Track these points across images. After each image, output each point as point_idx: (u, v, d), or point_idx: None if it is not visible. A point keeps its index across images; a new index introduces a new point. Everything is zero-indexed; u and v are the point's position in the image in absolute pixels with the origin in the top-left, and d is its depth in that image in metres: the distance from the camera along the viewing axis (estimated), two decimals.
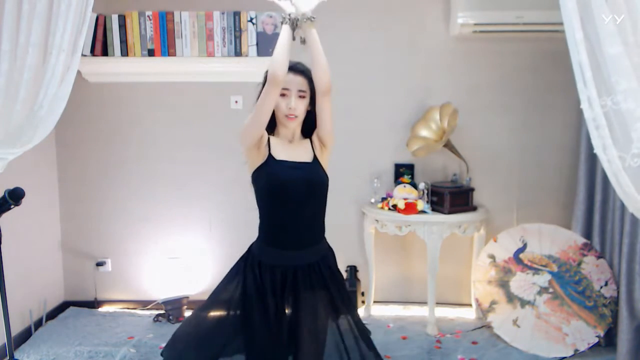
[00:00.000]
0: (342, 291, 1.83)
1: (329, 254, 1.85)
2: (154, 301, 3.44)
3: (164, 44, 3.17)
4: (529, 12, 2.97)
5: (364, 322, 3.26)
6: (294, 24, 1.65)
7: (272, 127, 1.81)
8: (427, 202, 3.14)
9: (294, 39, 1.66)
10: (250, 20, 3.16)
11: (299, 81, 1.74)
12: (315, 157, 1.79)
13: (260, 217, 1.79)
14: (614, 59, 1.68)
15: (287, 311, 1.72)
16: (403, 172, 3.36)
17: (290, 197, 1.70)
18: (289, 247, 1.74)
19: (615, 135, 1.73)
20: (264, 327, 1.68)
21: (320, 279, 1.76)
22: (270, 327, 1.68)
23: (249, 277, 1.74)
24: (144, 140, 3.43)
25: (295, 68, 1.76)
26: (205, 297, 3.56)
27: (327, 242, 1.85)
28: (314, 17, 1.64)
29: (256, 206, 1.80)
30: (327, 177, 1.80)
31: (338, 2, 3.30)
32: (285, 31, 1.65)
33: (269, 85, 1.63)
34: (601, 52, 1.70)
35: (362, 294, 3.41)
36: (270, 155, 1.73)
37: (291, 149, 1.78)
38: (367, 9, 3.32)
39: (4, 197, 1.97)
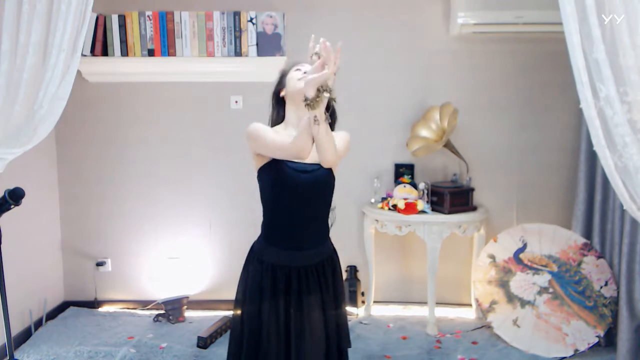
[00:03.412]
0: (339, 290, 1.83)
1: (335, 255, 1.85)
2: (154, 301, 3.44)
3: (164, 44, 3.17)
4: (528, 12, 2.97)
5: (364, 322, 3.27)
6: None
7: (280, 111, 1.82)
8: (427, 202, 3.14)
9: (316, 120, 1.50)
10: (250, 20, 3.16)
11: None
12: None
13: (264, 215, 1.78)
14: (597, 64, 1.71)
15: (290, 310, 1.71)
16: (403, 172, 3.36)
17: (296, 199, 1.69)
18: (293, 247, 1.73)
19: (607, 135, 1.79)
20: (265, 326, 1.67)
21: (324, 281, 1.76)
22: (272, 327, 1.67)
23: (251, 276, 1.74)
24: (143, 140, 3.43)
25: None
26: (205, 297, 3.57)
27: (331, 243, 1.84)
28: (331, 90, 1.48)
29: (257, 205, 1.79)
30: (334, 178, 1.78)
31: (339, 2, 3.33)
32: (322, 123, 1.52)
33: (291, 154, 1.60)
34: (590, 57, 1.74)
35: (362, 294, 3.41)
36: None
37: None
38: (367, 9, 3.32)
39: (4, 197, 1.96)
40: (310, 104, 1.45)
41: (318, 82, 1.44)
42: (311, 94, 1.44)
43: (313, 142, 1.56)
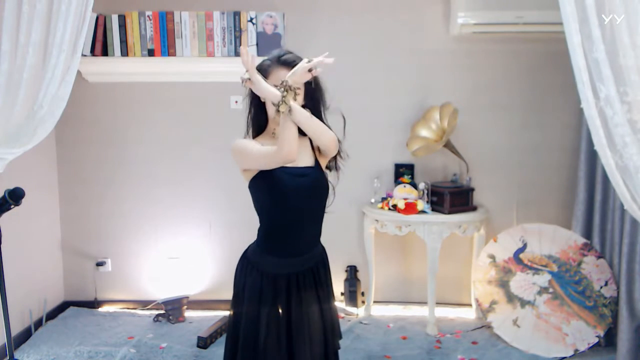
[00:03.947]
0: (330, 287, 1.84)
1: (324, 254, 1.84)
2: (154, 301, 3.44)
3: (164, 44, 3.17)
4: (529, 12, 2.97)
5: (364, 322, 3.26)
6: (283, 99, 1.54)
7: (263, 123, 1.81)
8: (427, 202, 3.14)
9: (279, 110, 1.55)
10: (250, 20, 3.16)
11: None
12: (317, 161, 1.74)
13: (261, 224, 1.74)
14: (597, 64, 1.71)
15: (290, 312, 1.71)
16: (403, 172, 3.36)
17: (293, 206, 1.66)
18: (293, 254, 1.71)
19: (607, 135, 1.79)
20: (265, 331, 1.66)
21: (318, 279, 1.76)
22: (273, 331, 1.67)
23: (249, 286, 1.71)
24: (143, 140, 3.43)
25: (289, 62, 1.69)
26: (205, 297, 3.56)
27: (320, 242, 1.84)
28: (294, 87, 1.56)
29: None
30: (326, 176, 1.77)
31: (338, 2, 3.33)
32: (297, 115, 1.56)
33: (280, 160, 1.57)
34: (590, 57, 1.74)
35: (362, 294, 3.41)
36: None
37: None
38: (367, 9, 3.31)
39: (4, 197, 1.96)
40: (278, 106, 1.54)
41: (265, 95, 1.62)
42: (276, 99, 1.56)
43: (296, 137, 1.56)
